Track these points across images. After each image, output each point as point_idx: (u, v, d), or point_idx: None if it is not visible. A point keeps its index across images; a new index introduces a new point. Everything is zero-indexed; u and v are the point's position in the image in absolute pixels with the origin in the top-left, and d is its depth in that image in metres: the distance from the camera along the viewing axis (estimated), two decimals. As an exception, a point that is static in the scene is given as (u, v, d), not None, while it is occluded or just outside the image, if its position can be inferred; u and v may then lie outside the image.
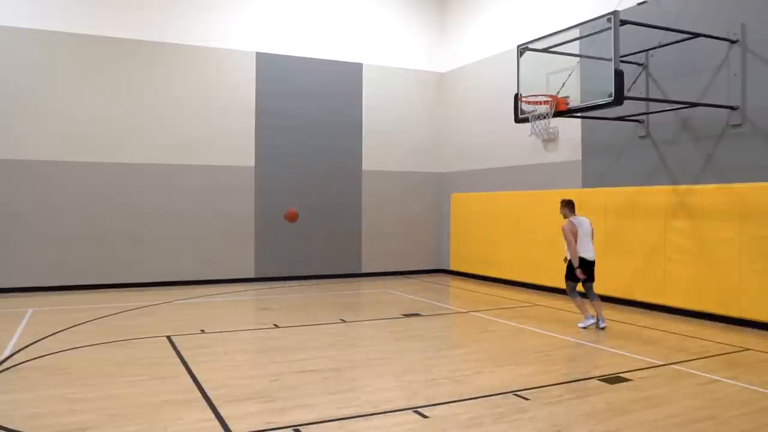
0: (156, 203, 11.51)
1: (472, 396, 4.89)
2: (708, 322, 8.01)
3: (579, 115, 8.82)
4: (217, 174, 12.04)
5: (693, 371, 5.67)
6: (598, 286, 9.80)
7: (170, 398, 4.82)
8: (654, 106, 8.86)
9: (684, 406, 4.69)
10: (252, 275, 12.28)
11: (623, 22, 7.20)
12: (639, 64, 9.05)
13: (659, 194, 8.80)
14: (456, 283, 12.43)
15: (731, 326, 7.75)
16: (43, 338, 6.95)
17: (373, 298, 10.59)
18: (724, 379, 5.40)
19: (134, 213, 11.36)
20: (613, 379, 5.38)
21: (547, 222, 10.78)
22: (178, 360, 6.03)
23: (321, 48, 12.99)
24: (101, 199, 11.15)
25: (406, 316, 8.61)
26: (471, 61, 13.32)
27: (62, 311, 8.87)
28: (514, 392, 4.98)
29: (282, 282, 12.35)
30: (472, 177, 13.25)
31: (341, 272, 13.17)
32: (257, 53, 12.36)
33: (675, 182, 8.67)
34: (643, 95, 8.93)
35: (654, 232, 8.82)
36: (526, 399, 4.81)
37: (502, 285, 11.87)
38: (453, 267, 13.69)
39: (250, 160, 12.33)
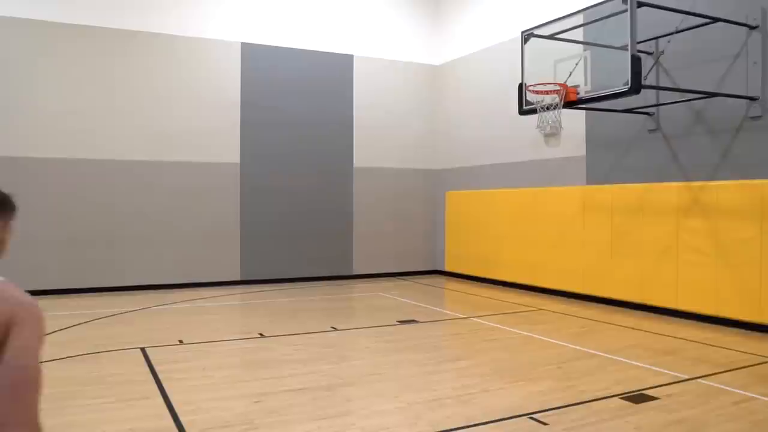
0: (133, 202, 10.80)
1: (483, 420, 4.30)
2: (727, 329, 7.46)
3: (587, 106, 8.24)
4: (199, 171, 11.36)
5: (724, 386, 5.11)
6: (605, 289, 9.30)
7: (137, 426, 4.19)
8: (665, 98, 8.30)
9: (724, 430, 4.13)
10: (237, 278, 11.62)
11: (640, 4, 6.62)
12: (648, 53, 8.49)
13: (671, 191, 8.26)
14: (452, 285, 11.84)
15: (753, 333, 7.21)
16: (2, 352, 6.26)
17: (365, 303, 9.98)
18: (762, 397, 4.84)
19: (109, 213, 10.66)
20: (638, 397, 4.81)
21: (548, 221, 10.23)
22: (151, 377, 5.39)
23: (310, 39, 12.34)
24: (73, 198, 10.44)
25: (402, 323, 8.01)
26: (467, 53, 12.73)
27: (29, 319, 8.17)
28: (530, 415, 4.40)
29: (269, 285, 11.69)
30: (468, 174, 12.66)
31: (331, 274, 12.54)
32: (242, 44, 11.69)
33: (688, 178, 8.13)
34: (654, 86, 8.36)
35: (665, 232, 8.28)
36: (544, 423, 4.23)
37: (501, 287, 11.29)
38: (448, 268, 13.11)
39: (234, 157, 11.66)
